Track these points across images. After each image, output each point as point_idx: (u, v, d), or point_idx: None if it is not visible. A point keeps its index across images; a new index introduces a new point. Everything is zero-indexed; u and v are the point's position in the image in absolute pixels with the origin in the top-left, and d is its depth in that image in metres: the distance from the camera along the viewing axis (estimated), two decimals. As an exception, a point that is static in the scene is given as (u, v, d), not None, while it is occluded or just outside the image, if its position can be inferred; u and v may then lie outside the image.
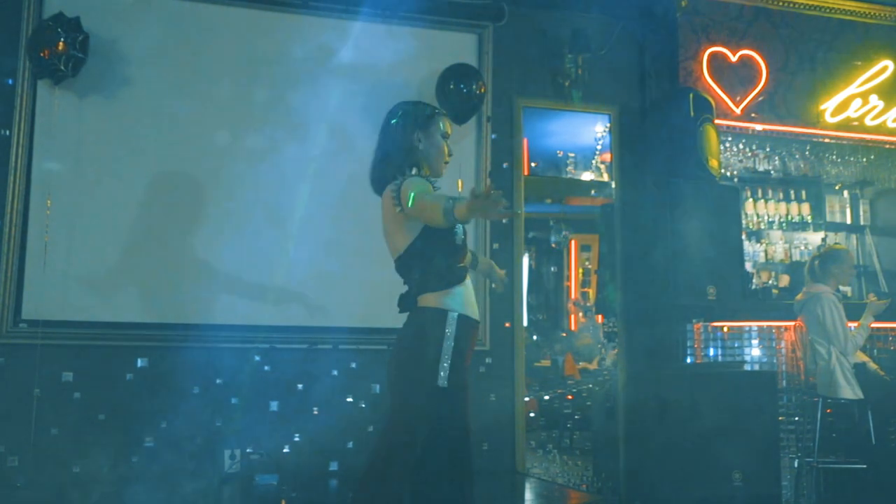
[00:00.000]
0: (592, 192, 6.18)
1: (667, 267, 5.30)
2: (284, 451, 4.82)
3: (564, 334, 8.69)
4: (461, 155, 5.38)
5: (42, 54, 4.48)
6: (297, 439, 4.86)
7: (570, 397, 6.98)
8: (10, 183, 4.66)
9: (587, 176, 6.63)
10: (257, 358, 4.88)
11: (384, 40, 5.34)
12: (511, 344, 5.37)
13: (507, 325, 5.37)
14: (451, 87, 5.14)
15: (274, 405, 4.88)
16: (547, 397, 7.08)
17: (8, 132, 4.70)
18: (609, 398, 5.71)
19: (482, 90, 5.22)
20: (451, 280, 2.54)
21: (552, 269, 9.15)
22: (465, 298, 2.55)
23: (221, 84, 5.01)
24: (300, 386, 4.91)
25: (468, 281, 2.64)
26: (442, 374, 2.46)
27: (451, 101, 5.16)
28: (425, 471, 2.53)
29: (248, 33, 5.09)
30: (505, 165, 5.50)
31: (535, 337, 8.64)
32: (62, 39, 4.45)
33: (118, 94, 4.88)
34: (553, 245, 9.00)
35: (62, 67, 4.49)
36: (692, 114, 5.25)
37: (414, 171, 2.70)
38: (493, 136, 5.48)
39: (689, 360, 5.44)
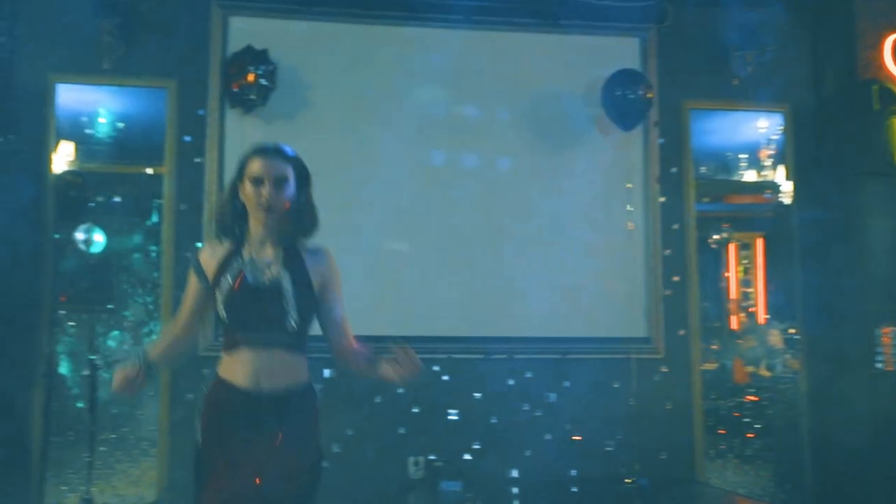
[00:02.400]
0: (767, 192, 5.96)
1: (851, 269, 5.09)
2: (465, 458, 4.94)
3: (740, 341, 8.39)
4: (629, 162, 5.37)
5: (233, 87, 4.80)
6: (476, 447, 4.97)
7: (750, 398, 6.71)
8: (205, 208, 4.99)
9: (757, 176, 6.39)
10: (436, 368, 5.02)
11: (545, 50, 5.40)
12: (686, 351, 5.28)
13: (682, 332, 5.28)
14: (618, 93, 5.11)
15: (453, 413, 5.01)
16: (727, 403, 6.86)
17: (201, 160, 5.05)
18: (792, 405, 5.50)
19: (649, 95, 5.15)
20: (224, 346, 2.51)
21: (722, 272, 8.85)
22: (228, 365, 2.47)
23: (402, 103, 5.17)
24: (477, 395, 5.02)
25: (244, 351, 2.45)
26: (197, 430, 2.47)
27: (617, 108, 5.14)
28: None
29: (421, 52, 5.23)
30: (674, 170, 5.40)
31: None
32: (252, 71, 4.76)
33: (305, 118, 5.13)
34: (713, 245, 8.73)
35: (252, 97, 4.80)
36: (877, 106, 4.98)
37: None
38: (661, 140, 5.39)
39: (879, 367, 5.16)
